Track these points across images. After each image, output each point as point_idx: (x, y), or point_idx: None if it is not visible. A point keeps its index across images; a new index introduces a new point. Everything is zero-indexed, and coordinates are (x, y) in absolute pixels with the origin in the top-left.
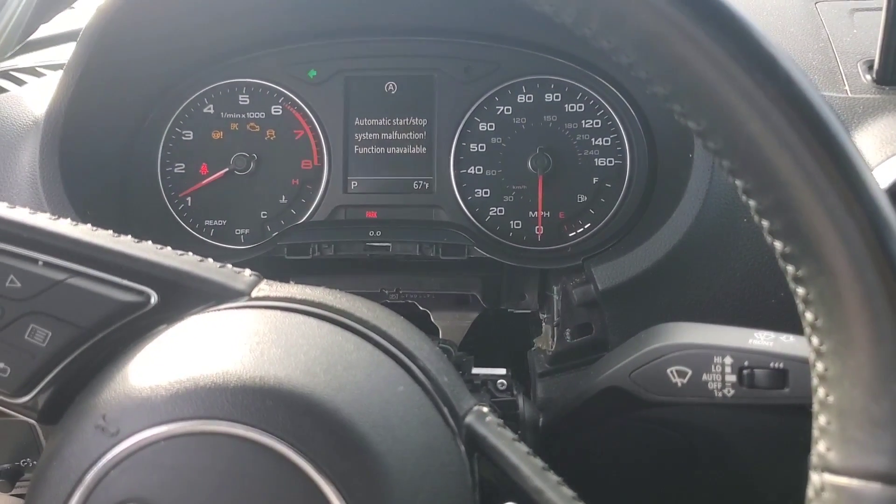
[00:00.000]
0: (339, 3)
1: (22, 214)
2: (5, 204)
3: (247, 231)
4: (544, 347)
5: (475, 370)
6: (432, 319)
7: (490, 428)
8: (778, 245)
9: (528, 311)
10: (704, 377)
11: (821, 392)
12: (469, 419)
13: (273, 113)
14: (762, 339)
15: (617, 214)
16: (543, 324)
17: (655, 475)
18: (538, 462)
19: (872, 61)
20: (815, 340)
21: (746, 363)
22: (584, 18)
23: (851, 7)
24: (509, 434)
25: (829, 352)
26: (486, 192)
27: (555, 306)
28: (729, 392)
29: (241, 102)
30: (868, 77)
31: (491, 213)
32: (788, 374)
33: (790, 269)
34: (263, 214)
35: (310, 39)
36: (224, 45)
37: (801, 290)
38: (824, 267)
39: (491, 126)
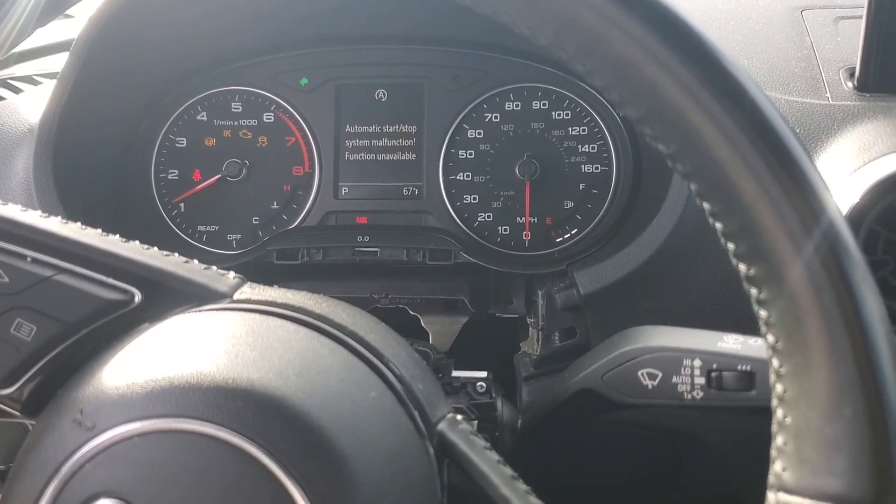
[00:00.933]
0: (330, 13)
1: (13, 211)
2: None
3: (239, 236)
4: (530, 351)
5: (456, 373)
6: (422, 324)
7: (462, 435)
8: (742, 268)
9: (516, 316)
10: (674, 379)
11: (779, 413)
12: (441, 426)
13: (265, 120)
14: (730, 342)
15: (603, 220)
16: (530, 328)
17: (639, 476)
18: (508, 471)
19: (854, 68)
20: (775, 363)
21: (715, 366)
22: (560, 42)
23: (836, 15)
24: (481, 442)
25: (787, 374)
26: (474, 198)
27: (539, 311)
28: (698, 394)
29: (233, 110)
30: (849, 84)
31: (479, 219)
32: (755, 376)
33: (753, 291)
34: (255, 220)
35: (301, 48)
36: (217, 54)
37: (763, 313)
38: (784, 290)
39: (479, 133)
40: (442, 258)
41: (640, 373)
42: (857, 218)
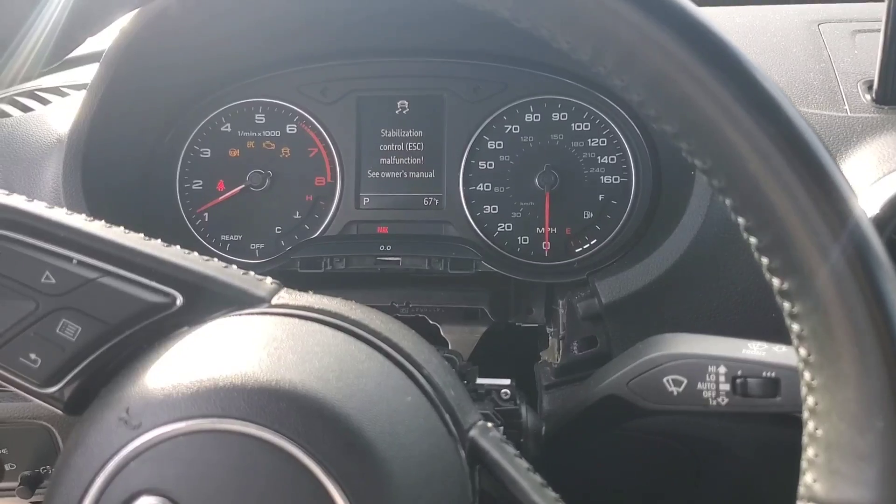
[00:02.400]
0: (352, 26)
1: (59, 214)
2: (44, 203)
3: (262, 245)
4: (550, 360)
5: (480, 380)
6: (442, 333)
7: (493, 442)
8: (775, 282)
9: (536, 325)
10: (699, 386)
11: (811, 425)
12: (473, 433)
13: (288, 131)
14: (755, 350)
15: (622, 230)
16: (550, 337)
17: (660, 486)
18: (537, 478)
19: (872, 81)
20: (807, 375)
21: (740, 372)
22: (599, 57)
23: (853, 28)
24: (511, 450)
25: (819, 386)
26: (494, 209)
27: (560, 320)
28: (723, 400)
29: (257, 121)
30: (867, 97)
31: (499, 229)
32: (780, 383)
33: (786, 305)
34: (278, 230)
35: (323, 60)
36: (241, 66)
37: (795, 327)
38: (818, 305)
39: (499, 144)
40: (463, 267)
41: (665, 379)
42: (877, 229)
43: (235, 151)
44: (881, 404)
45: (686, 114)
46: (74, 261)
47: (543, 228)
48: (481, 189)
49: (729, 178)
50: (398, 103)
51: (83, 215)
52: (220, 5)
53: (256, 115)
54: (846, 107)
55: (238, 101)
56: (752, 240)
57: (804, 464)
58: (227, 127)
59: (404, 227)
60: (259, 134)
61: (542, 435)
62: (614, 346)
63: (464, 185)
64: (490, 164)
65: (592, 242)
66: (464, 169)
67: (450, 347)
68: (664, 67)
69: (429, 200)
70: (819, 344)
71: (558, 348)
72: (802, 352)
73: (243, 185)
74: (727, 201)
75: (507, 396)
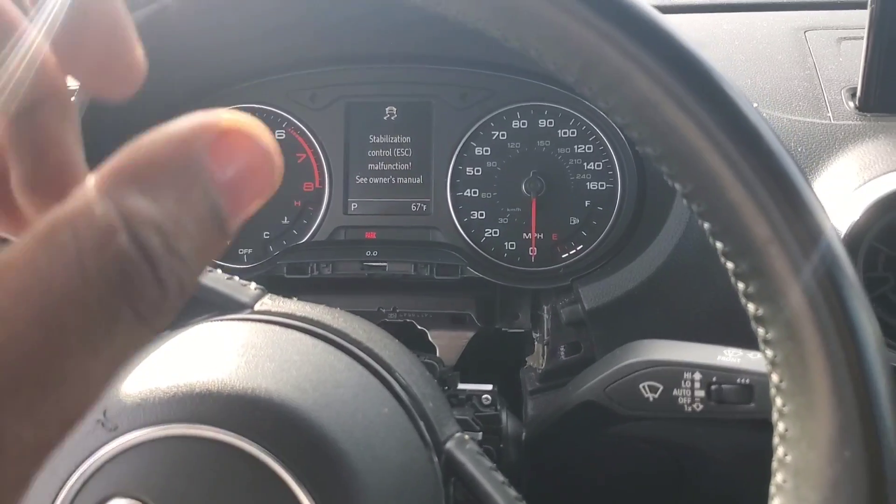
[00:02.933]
0: (340, 32)
1: None
2: None
3: (249, 251)
4: (535, 366)
5: (462, 386)
6: (430, 338)
7: (469, 455)
8: (750, 307)
9: (522, 331)
10: (675, 392)
11: (780, 451)
12: (449, 445)
13: (276, 137)
14: (730, 356)
15: (608, 236)
16: (536, 343)
17: (644, 491)
18: (512, 492)
19: (855, 89)
20: (778, 401)
21: (714, 379)
22: (585, 79)
23: (839, 36)
24: (487, 463)
25: (790, 413)
26: (481, 214)
27: (545, 325)
28: (698, 407)
29: None
30: (851, 104)
31: (486, 235)
32: (754, 389)
33: (760, 331)
34: (266, 235)
35: (312, 66)
36: (229, 73)
37: (769, 353)
38: (791, 333)
39: (486, 150)
40: (449, 273)
41: (641, 385)
42: (857, 236)
43: None
44: (850, 435)
45: (669, 139)
46: None
47: (530, 234)
48: (468, 195)
49: (709, 203)
50: (386, 109)
51: None
52: (209, 13)
53: None
54: (829, 114)
55: (227, 107)
56: (730, 265)
57: (773, 488)
58: None
59: (392, 233)
60: None
61: (522, 441)
62: (597, 351)
63: (451, 191)
64: (477, 170)
65: (579, 248)
66: (451, 175)
67: (437, 353)
68: (649, 93)
69: (416, 206)
70: (791, 372)
71: (543, 354)
72: (775, 378)
73: None
74: (706, 225)
75: (488, 402)
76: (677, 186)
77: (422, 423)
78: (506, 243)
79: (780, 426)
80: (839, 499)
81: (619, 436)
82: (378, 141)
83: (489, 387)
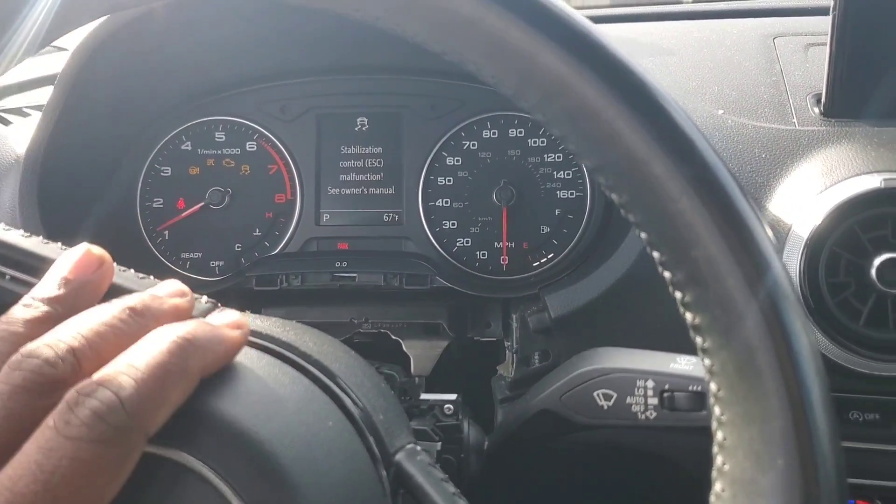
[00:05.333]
0: (310, 44)
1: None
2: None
3: (221, 263)
4: (505, 374)
5: (426, 396)
6: (404, 348)
7: (419, 466)
8: (688, 317)
9: (495, 339)
10: (628, 400)
11: (719, 459)
12: (399, 456)
13: (248, 149)
14: (683, 364)
15: (578, 244)
16: (507, 351)
17: (612, 499)
18: (462, 502)
19: (821, 94)
20: (717, 410)
21: (667, 386)
22: (522, 93)
23: (807, 42)
24: (439, 474)
25: (727, 422)
26: (453, 224)
27: (514, 334)
28: (651, 414)
29: (217, 139)
30: (816, 110)
31: (458, 244)
32: (706, 396)
33: (699, 340)
34: (238, 247)
35: (283, 78)
36: (200, 85)
37: (707, 362)
38: (727, 342)
39: (457, 160)
40: (418, 283)
41: (595, 393)
42: (819, 240)
43: (196, 169)
44: (782, 443)
45: (604, 151)
46: (7, 276)
47: (501, 243)
48: (440, 204)
49: (644, 214)
50: (357, 120)
51: (20, 231)
52: (176, 26)
53: (216, 134)
54: (794, 120)
55: (198, 120)
56: (667, 274)
57: (712, 497)
58: (187, 145)
59: (364, 244)
60: (219, 152)
61: (483, 450)
62: (563, 359)
63: (423, 201)
64: (449, 180)
65: (549, 256)
66: (423, 185)
67: (413, 363)
68: (584, 106)
69: (389, 216)
70: (728, 381)
71: (513, 362)
72: (713, 387)
73: (203, 203)
74: (642, 235)
75: (451, 412)
76: (614, 197)
77: (370, 436)
78: (477, 252)
79: (719, 435)
80: None
81: (578, 444)
82: (349, 152)
83: (453, 396)
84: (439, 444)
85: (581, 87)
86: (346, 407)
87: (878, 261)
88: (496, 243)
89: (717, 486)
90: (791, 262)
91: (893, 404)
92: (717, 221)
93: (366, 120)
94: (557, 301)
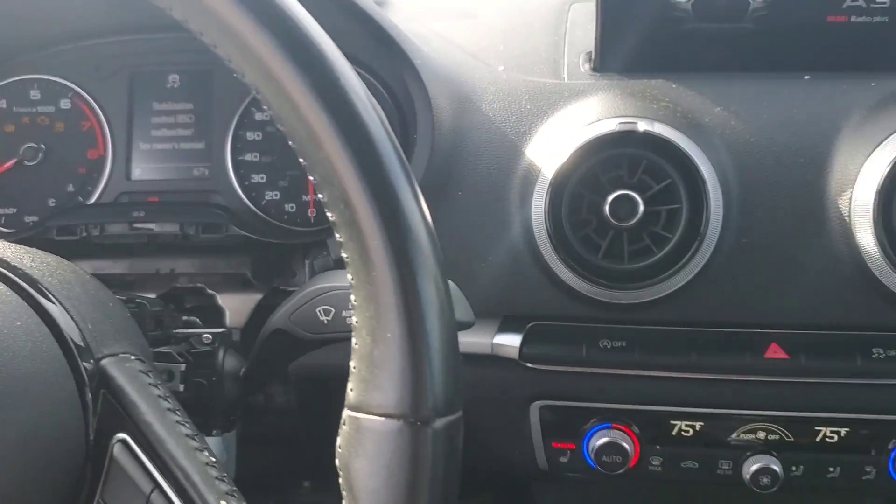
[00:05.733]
0: (126, 1)
1: None
2: None
3: (36, 218)
4: None
5: (187, 330)
6: (219, 301)
7: (127, 371)
8: (328, 215)
9: None
10: (344, 313)
11: (353, 340)
12: (105, 361)
13: (62, 107)
14: None
15: None
16: None
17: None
18: (165, 404)
19: (591, 52)
20: (352, 297)
21: None
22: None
23: None
24: (148, 379)
25: (357, 305)
26: (262, 178)
27: (306, 278)
28: None
29: (32, 97)
30: (586, 66)
31: (267, 198)
32: None
33: (337, 235)
34: (52, 202)
35: (98, 37)
36: (15, 43)
37: (344, 254)
38: (354, 234)
39: (267, 115)
40: (213, 231)
41: (317, 310)
42: (562, 180)
43: (11, 127)
44: (390, 318)
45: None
46: None
47: (308, 196)
48: (249, 159)
49: (287, 126)
50: (169, 77)
51: None
52: None
53: (31, 92)
54: (564, 75)
55: (13, 79)
56: (311, 178)
57: (350, 375)
58: (2, 103)
59: (175, 198)
60: (34, 110)
61: (240, 376)
62: None
63: (231, 155)
64: (258, 135)
65: None
66: (231, 139)
67: (227, 316)
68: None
69: (199, 171)
70: (356, 268)
71: None
72: (349, 276)
73: (16, 160)
74: (292, 145)
75: (209, 341)
76: (279, 127)
77: (69, 339)
78: (286, 205)
79: (354, 318)
80: (384, 374)
81: (307, 367)
82: (161, 108)
83: (218, 330)
84: (183, 365)
85: (252, 37)
86: (46, 313)
87: (610, 197)
88: (304, 196)
89: (352, 364)
90: (538, 202)
91: (636, 332)
92: (343, 127)
93: (178, 77)
94: (336, 243)
